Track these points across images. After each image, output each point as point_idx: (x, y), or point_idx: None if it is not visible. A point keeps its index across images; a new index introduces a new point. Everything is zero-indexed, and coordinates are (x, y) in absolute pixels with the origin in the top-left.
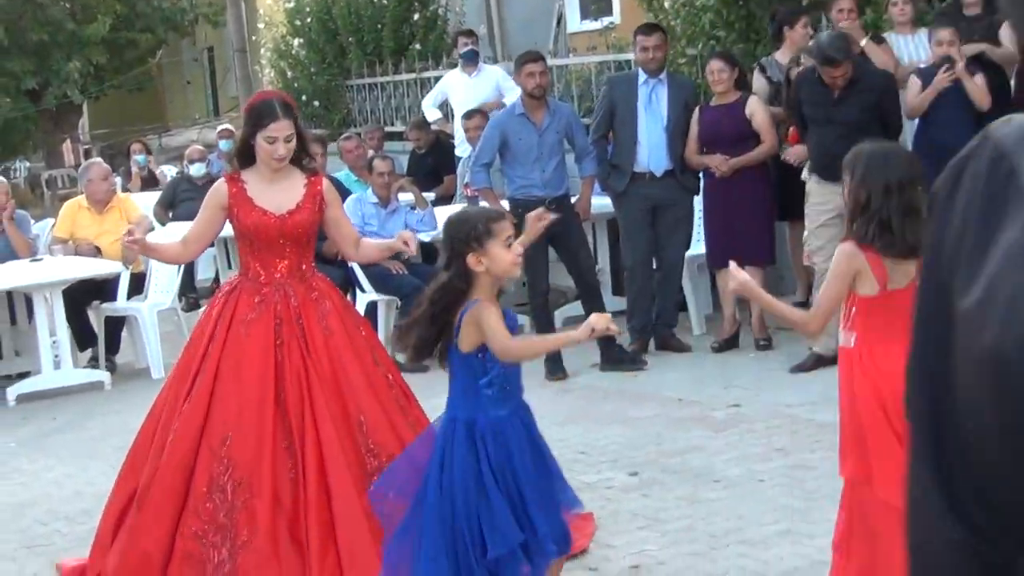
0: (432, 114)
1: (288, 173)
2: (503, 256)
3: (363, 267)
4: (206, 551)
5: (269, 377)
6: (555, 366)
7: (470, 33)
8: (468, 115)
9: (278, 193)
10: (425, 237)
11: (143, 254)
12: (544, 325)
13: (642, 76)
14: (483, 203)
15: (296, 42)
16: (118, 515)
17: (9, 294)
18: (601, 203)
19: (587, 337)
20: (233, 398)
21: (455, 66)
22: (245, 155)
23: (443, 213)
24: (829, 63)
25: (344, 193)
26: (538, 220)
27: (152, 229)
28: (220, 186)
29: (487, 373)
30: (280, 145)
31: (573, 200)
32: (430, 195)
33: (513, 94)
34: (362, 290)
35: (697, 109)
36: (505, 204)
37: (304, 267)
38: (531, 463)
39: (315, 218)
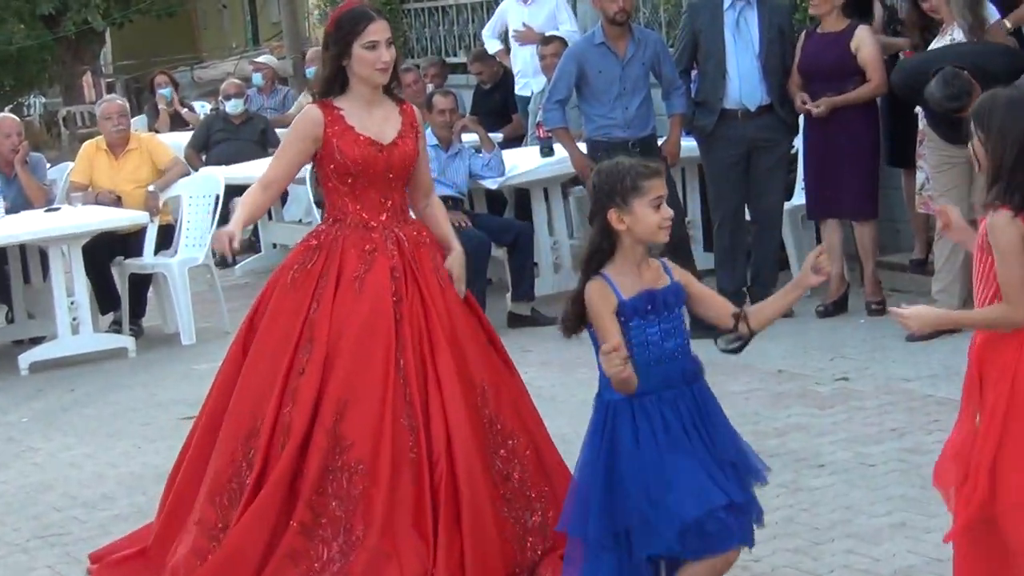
0: (492, 45)
1: (382, 99)
2: (649, 217)
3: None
4: (314, 547)
5: (389, 341)
6: None
7: None
8: (546, 41)
9: (379, 121)
10: (491, 184)
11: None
12: None
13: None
14: (557, 145)
15: None
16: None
17: (22, 248)
18: (691, 145)
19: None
20: (348, 366)
21: None
22: (333, 82)
23: (512, 156)
24: (954, 110)
25: None
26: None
27: (187, 173)
28: (312, 113)
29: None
30: (384, 49)
31: (660, 142)
32: (497, 136)
33: (569, 25)
34: None
35: (803, 35)
36: (583, 147)
37: (405, 208)
38: (706, 432)
39: (418, 150)
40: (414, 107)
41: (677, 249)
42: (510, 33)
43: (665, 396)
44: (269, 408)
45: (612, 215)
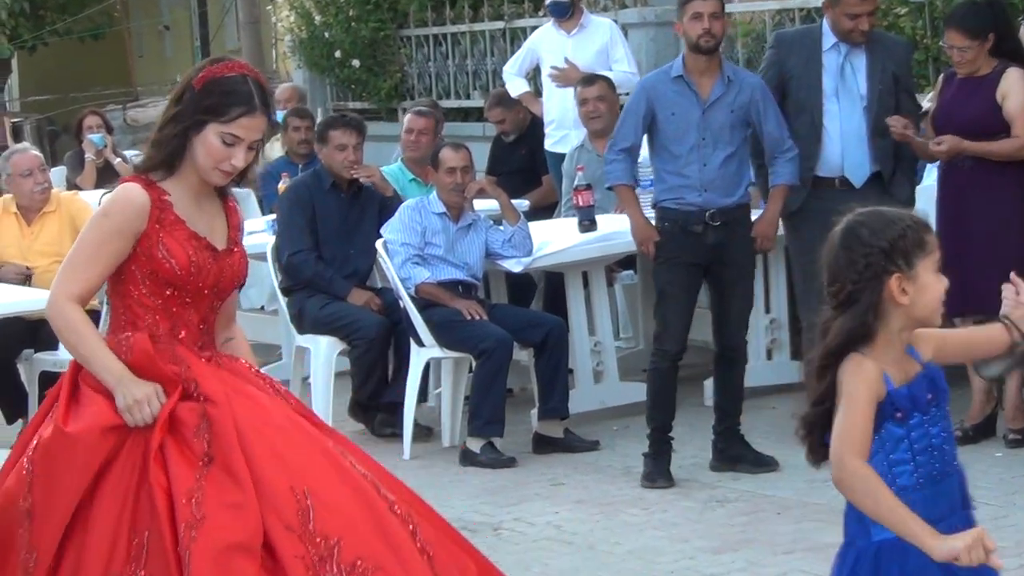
0: (516, 86)
1: (208, 190)
2: (933, 287)
3: (422, 307)
4: None
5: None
6: (658, 466)
7: None
8: (589, 81)
9: (208, 219)
10: (515, 266)
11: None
12: (663, 403)
13: (829, 38)
14: (601, 217)
15: None
16: None
17: None
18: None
19: (951, 555)
20: (280, 445)
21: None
22: (172, 156)
23: (541, 230)
24: None
25: (390, 205)
26: None
27: None
28: (136, 196)
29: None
30: (240, 152)
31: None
32: (522, 203)
33: (625, 65)
34: (420, 343)
35: (940, 79)
36: (649, 214)
37: (215, 339)
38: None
39: (246, 261)
40: (237, 206)
41: (724, 358)
42: (543, 71)
43: (950, 526)
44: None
45: (893, 285)
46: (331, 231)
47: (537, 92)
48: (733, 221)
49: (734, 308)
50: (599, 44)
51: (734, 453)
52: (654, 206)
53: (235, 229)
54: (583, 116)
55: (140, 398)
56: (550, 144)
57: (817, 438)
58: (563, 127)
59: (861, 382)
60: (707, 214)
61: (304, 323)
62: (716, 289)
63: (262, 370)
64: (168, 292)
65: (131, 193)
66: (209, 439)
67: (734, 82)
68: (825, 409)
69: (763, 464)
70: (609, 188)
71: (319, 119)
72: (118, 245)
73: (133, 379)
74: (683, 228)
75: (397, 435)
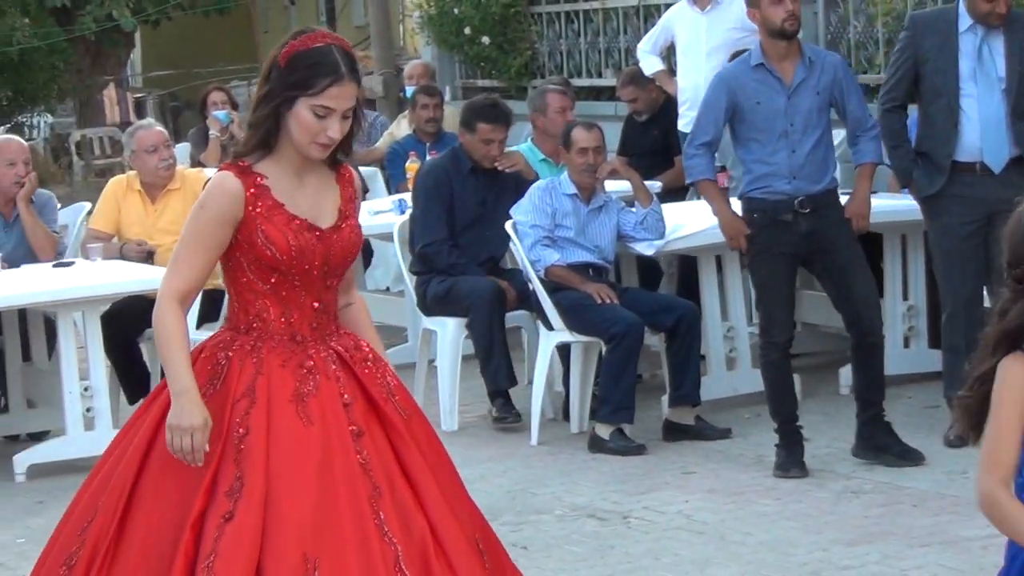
0: (650, 64)
1: (314, 163)
2: None
3: (551, 289)
4: None
5: (355, 480)
6: (791, 456)
7: None
8: (736, 57)
9: (313, 195)
10: (647, 249)
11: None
12: (782, 393)
13: (966, 19)
14: (735, 198)
15: None
16: None
17: (22, 314)
18: (909, 205)
19: None
20: (307, 513)
21: None
22: (266, 137)
23: (674, 212)
24: None
25: (526, 186)
26: None
27: None
28: (229, 185)
29: None
30: (334, 122)
31: (843, 199)
32: (655, 185)
33: None
34: (548, 326)
35: None
36: (736, 206)
37: (337, 313)
38: None
39: (361, 233)
40: (353, 171)
41: (863, 349)
42: (677, 49)
43: None
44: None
45: None
46: (468, 214)
47: (671, 71)
48: (823, 207)
49: (858, 294)
50: (734, 21)
51: (879, 442)
52: (740, 198)
53: (348, 201)
54: None
55: (186, 427)
56: (683, 124)
57: (972, 421)
58: (696, 107)
59: (1012, 390)
60: (796, 201)
61: (428, 303)
62: (831, 279)
63: (387, 352)
64: (274, 277)
65: (225, 181)
66: (237, 498)
67: (815, 63)
68: (985, 392)
69: (908, 458)
70: (690, 184)
71: (447, 96)
72: (218, 235)
73: (193, 401)
74: (773, 218)
75: (509, 425)
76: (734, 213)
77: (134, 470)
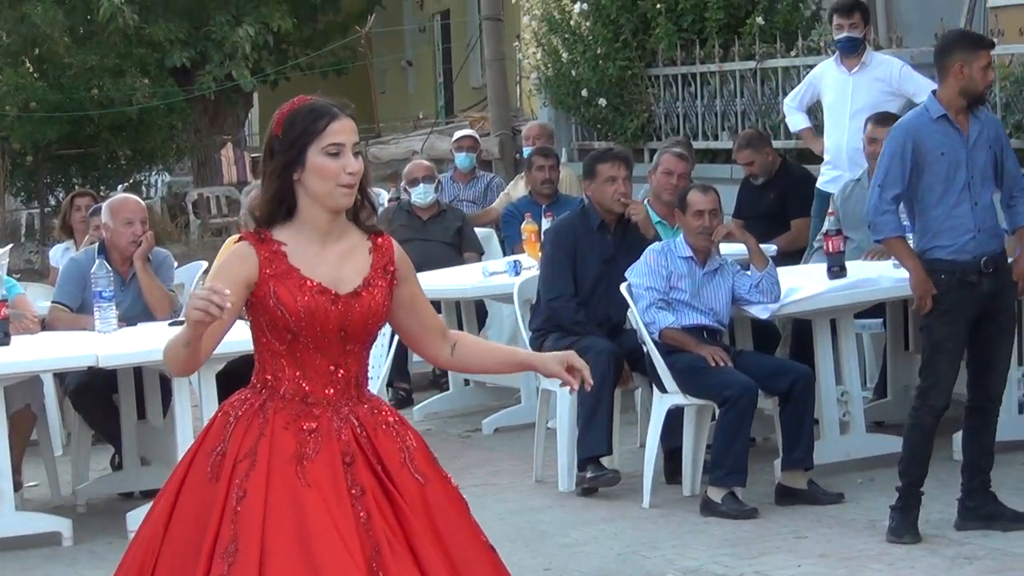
0: (796, 121)
1: (344, 229)
2: None
3: (665, 352)
4: None
5: (353, 545)
6: (905, 520)
7: (852, 8)
8: (883, 120)
9: (335, 261)
10: (762, 312)
11: None
12: (921, 458)
13: None
14: (852, 263)
15: (577, 7)
16: None
17: (138, 372)
18: None
19: None
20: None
21: (817, 51)
22: (279, 205)
23: (789, 275)
24: None
25: (647, 244)
26: None
27: None
28: (240, 248)
29: None
30: (349, 157)
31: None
32: (770, 248)
33: (923, 96)
34: (662, 389)
35: None
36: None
37: (364, 383)
38: None
39: (388, 304)
40: (394, 242)
41: (981, 416)
42: (824, 107)
43: None
44: None
45: None
46: (593, 272)
47: (818, 128)
48: (1001, 268)
49: (1001, 358)
50: (882, 83)
51: (989, 511)
52: (919, 256)
53: (378, 269)
54: (869, 155)
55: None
56: (822, 182)
57: None
58: (837, 167)
59: None
60: (982, 261)
61: None
62: (982, 339)
63: (500, 414)
64: (290, 338)
65: (237, 246)
66: (231, 562)
67: (983, 120)
68: None
69: (1023, 522)
70: (878, 240)
71: (563, 158)
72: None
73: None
74: (960, 280)
75: (605, 482)
76: (926, 273)
77: (159, 536)
